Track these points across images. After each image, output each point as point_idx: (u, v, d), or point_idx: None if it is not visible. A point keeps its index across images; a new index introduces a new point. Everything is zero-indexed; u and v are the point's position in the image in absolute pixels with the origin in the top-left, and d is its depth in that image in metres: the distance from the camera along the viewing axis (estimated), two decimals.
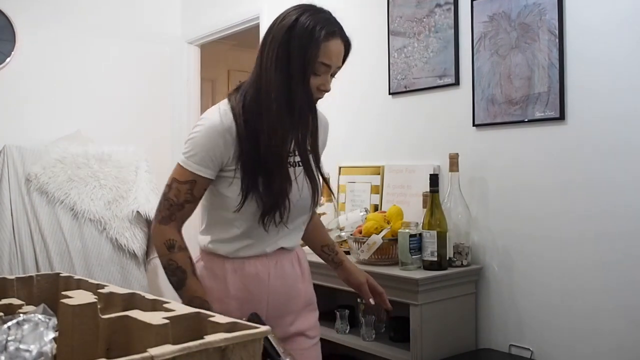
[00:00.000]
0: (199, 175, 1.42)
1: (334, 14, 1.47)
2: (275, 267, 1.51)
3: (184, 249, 1.43)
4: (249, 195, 1.43)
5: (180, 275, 1.40)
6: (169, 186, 1.44)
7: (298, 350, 1.51)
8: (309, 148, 1.51)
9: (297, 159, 1.49)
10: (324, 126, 1.63)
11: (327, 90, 1.45)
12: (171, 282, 1.43)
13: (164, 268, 1.43)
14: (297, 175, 1.49)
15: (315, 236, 1.73)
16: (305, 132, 1.49)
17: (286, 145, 1.44)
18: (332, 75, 1.46)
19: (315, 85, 1.43)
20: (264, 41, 1.45)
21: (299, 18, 1.40)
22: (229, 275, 1.49)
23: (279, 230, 1.49)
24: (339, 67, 1.46)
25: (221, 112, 1.44)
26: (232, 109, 1.44)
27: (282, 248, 1.53)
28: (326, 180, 1.61)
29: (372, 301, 1.69)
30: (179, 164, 1.45)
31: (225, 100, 1.48)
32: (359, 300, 2.23)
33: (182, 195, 1.43)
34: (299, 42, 1.39)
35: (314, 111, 1.52)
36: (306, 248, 1.76)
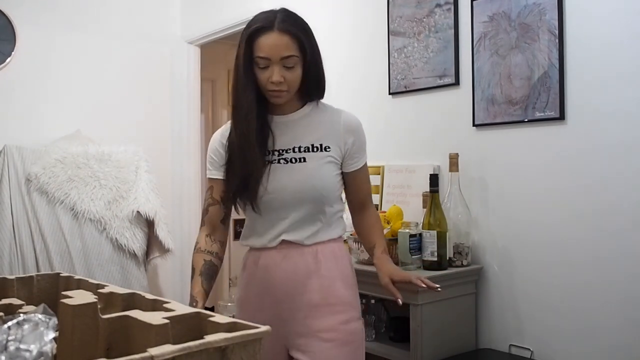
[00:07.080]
0: (211, 178, 1.62)
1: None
2: (284, 260, 1.55)
3: (201, 251, 1.60)
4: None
5: (192, 272, 1.59)
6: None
7: (310, 351, 1.51)
8: (286, 148, 1.55)
9: (271, 157, 1.54)
10: (346, 127, 1.64)
11: (274, 82, 1.46)
12: None
13: None
14: (270, 169, 1.54)
15: (363, 238, 1.72)
16: (262, 126, 1.53)
17: (243, 141, 1.51)
18: (288, 67, 1.46)
19: (263, 79, 1.48)
20: None
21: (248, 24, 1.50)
22: (250, 265, 1.62)
23: (274, 224, 1.55)
24: (292, 56, 1.46)
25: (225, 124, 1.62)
26: None
27: (287, 242, 1.55)
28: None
29: (399, 301, 1.52)
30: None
31: None
32: None
33: (206, 201, 1.63)
34: (239, 46, 1.50)
35: (263, 105, 1.54)
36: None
